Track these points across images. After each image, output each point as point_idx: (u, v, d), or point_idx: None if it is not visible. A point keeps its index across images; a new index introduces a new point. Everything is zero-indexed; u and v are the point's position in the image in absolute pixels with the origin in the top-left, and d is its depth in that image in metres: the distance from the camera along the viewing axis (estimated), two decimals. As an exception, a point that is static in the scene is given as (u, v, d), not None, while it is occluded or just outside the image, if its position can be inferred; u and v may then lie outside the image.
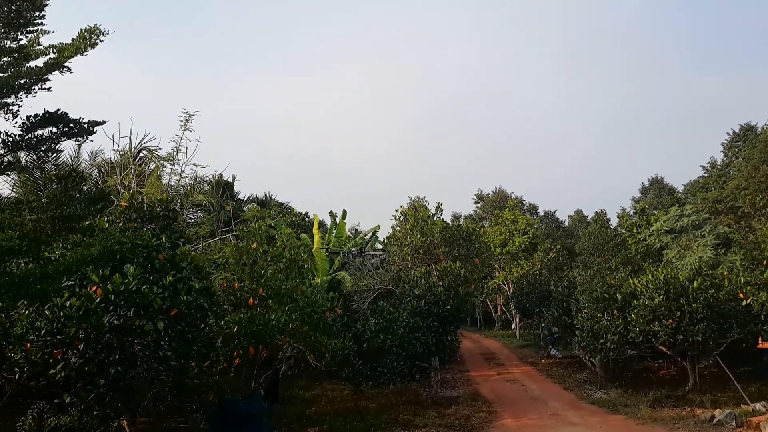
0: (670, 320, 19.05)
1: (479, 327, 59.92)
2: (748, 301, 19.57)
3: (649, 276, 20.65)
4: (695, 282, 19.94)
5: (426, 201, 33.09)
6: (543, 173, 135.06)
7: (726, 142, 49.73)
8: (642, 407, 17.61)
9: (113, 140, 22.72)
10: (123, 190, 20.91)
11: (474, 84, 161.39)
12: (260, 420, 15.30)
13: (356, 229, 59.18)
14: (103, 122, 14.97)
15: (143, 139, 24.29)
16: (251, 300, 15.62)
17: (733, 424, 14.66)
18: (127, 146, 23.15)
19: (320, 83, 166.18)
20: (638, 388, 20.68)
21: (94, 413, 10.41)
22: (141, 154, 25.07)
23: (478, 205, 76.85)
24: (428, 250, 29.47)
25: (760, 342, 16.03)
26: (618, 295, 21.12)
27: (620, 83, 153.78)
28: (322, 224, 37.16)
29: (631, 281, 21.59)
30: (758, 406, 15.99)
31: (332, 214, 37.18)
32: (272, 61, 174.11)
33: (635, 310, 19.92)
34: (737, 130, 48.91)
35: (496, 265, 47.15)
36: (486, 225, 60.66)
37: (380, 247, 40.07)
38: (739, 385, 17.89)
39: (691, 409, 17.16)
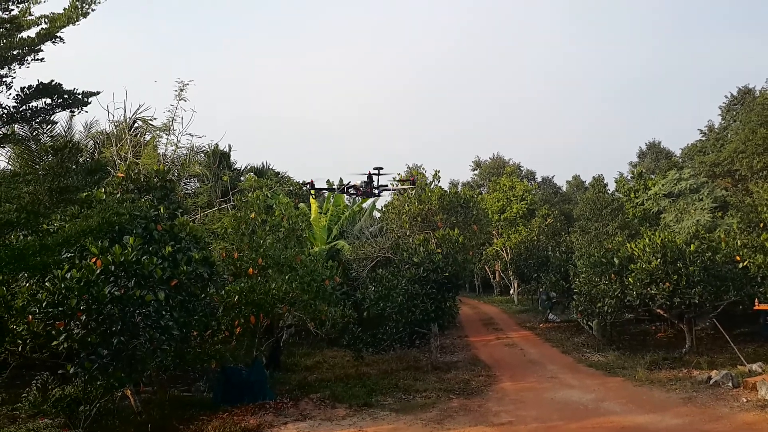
0: (667, 283, 19.13)
1: (478, 293, 60.27)
2: (745, 264, 19.65)
3: (647, 240, 20.72)
4: (692, 245, 20.00)
5: (423, 169, 33.24)
6: (541, 139, 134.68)
7: (724, 105, 49.53)
8: (639, 369, 17.76)
9: (108, 111, 22.53)
10: (119, 161, 20.81)
11: (472, 49, 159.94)
12: (263, 387, 15.50)
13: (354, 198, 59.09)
14: (98, 93, 14.78)
15: (138, 109, 24.12)
16: (251, 269, 15.70)
17: (730, 384, 14.76)
18: (122, 117, 22.99)
19: (316, 48, 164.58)
20: (635, 351, 20.86)
21: (98, 383, 10.53)
22: (136, 125, 24.89)
23: (476, 171, 76.75)
24: (426, 217, 29.56)
25: (756, 304, 16.13)
26: (615, 259, 21.18)
27: (620, 49, 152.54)
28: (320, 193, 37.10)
29: (628, 245, 21.63)
30: (755, 366, 16.10)
31: (329, 183, 37.03)
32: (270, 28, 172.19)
33: (632, 274, 19.99)
34: (735, 93, 48.71)
35: (494, 232, 47.30)
36: (484, 192, 60.72)
37: (378, 215, 40.08)
38: (736, 346, 18.03)
39: (688, 370, 17.30)
